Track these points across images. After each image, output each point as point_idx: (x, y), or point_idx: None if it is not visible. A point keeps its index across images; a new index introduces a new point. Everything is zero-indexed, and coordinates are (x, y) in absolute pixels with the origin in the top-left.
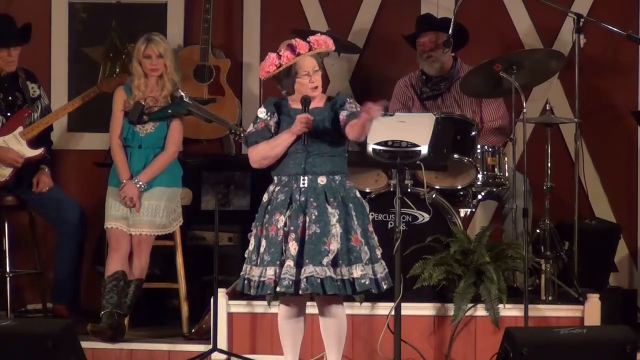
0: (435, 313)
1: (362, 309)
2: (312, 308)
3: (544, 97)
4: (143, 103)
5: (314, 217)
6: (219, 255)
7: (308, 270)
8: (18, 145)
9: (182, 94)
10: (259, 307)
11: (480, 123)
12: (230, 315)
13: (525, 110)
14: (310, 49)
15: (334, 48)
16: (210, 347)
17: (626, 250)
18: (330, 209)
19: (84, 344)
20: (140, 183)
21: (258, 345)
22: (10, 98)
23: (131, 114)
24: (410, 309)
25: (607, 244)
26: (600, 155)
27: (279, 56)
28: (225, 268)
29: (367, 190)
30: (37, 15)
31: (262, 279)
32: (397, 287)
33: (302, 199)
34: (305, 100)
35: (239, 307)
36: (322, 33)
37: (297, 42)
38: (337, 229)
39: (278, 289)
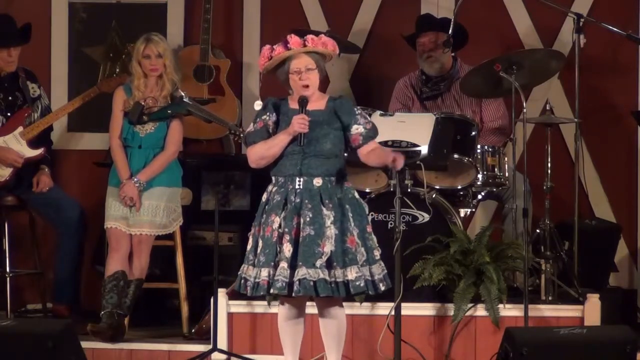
0: (435, 313)
1: (362, 309)
2: (312, 308)
3: (544, 97)
4: (143, 103)
5: (308, 219)
6: (219, 255)
7: (301, 272)
8: (18, 145)
9: (182, 94)
10: (259, 307)
11: (480, 123)
12: (230, 315)
13: (525, 110)
14: (303, 46)
15: (337, 51)
16: (210, 347)
17: (626, 250)
18: (325, 211)
19: (84, 344)
20: (140, 182)
21: (258, 345)
22: (10, 98)
23: (131, 114)
24: (410, 309)
25: (607, 244)
26: (600, 155)
27: (272, 49)
28: (225, 268)
29: (367, 190)
30: (37, 15)
31: (257, 280)
32: (397, 287)
33: (297, 200)
34: (303, 101)
35: (239, 307)
36: (322, 33)
37: (291, 38)
38: (331, 231)
39: (271, 290)
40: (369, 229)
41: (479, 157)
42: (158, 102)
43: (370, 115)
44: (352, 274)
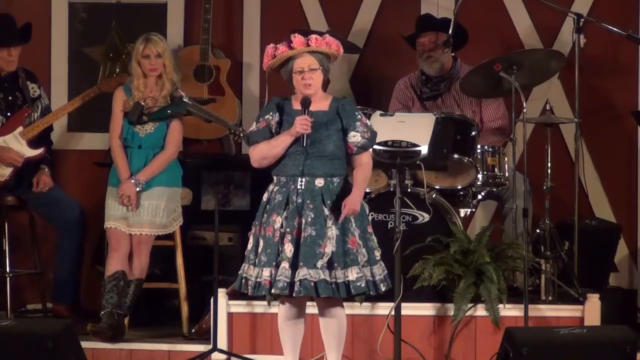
0: (435, 313)
1: (362, 309)
2: (312, 308)
3: (544, 97)
4: (142, 103)
5: (310, 219)
6: (219, 255)
7: (302, 273)
8: (18, 145)
9: (182, 93)
10: (259, 307)
11: (480, 123)
12: (230, 315)
13: (525, 110)
14: (307, 46)
15: (341, 51)
16: (210, 347)
17: (626, 250)
18: (326, 211)
19: (84, 344)
20: (139, 182)
21: (258, 345)
22: (10, 98)
23: (131, 115)
24: (410, 309)
25: (607, 244)
26: (600, 155)
27: (276, 48)
28: (225, 268)
29: (367, 190)
30: (37, 15)
31: (258, 279)
32: (397, 287)
33: (299, 200)
34: (305, 102)
35: (239, 307)
36: (323, 33)
37: (295, 37)
38: (333, 232)
39: (273, 290)
40: (370, 229)
41: (479, 157)
42: (158, 102)
43: (370, 115)
44: (353, 274)
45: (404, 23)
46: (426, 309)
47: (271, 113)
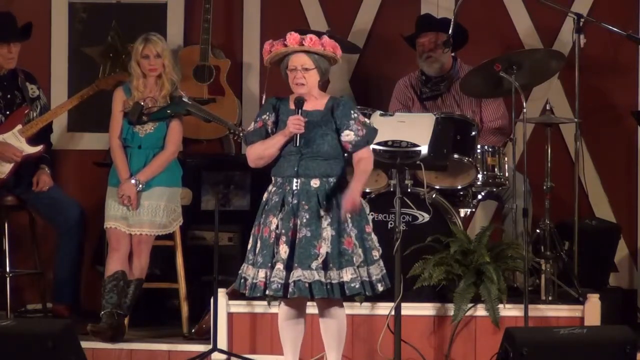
0: (435, 313)
1: (362, 309)
2: (312, 308)
3: (544, 97)
4: (142, 103)
5: (305, 220)
6: (219, 255)
7: (296, 274)
8: (17, 142)
9: (182, 93)
10: (259, 307)
11: (480, 123)
12: (230, 315)
13: (525, 110)
14: (300, 45)
15: (338, 54)
16: (210, 347)
17: (626, 250)
18: (322, 212)
19: (84, 344)
20: (139, 182)
21: (258, 345)
22: (9, 96)
23: (130, 115)
24: (410, 309)
25: (607, 244)
26: (600, 155)
27: (272, 44)
28: (225, 268)
29: (367, 190)
30: (37, 14)
31: (254, 280)
32: (397, 287)
33: (295, 201)
34: (299, 101)
35: (239, 307)
36: (322, 33)
37: (290, 35)
38: (328, 232)
39: (267, 291)
40: (368, 229)
41: (479, 157)
42: (157, 102)
43: (370, 115)
44: (347, 275)
45: (404, 23)
46: (426, 309)
47: (268, 113)
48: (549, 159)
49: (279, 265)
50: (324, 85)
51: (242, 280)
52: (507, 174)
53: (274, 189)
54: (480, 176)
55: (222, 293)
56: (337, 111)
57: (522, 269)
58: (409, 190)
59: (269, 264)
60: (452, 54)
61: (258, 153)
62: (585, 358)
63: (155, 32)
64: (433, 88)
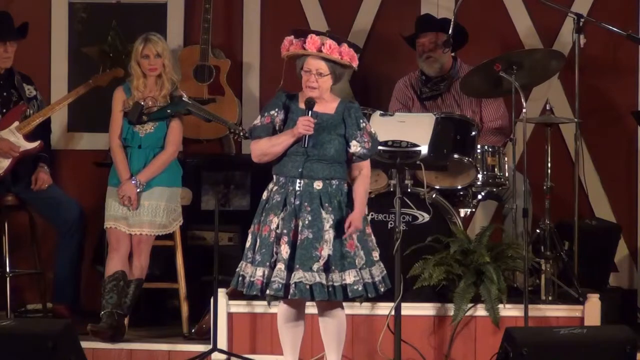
0: (435, 313)
1: (362, 309)
2: (312, 308)
3: (544, 97)
4: (142, 103)
5: (307, 222)
6: (219, 255)
7: (297, 275)
8: (14, 138)
9: (182, 93)
10: (259, 307)
11: (480, 123)
12: (230, 315)
13: (525, 110)
14: (318, 51)
15: (354, 63)
16: (210, 347)
17: (626, 250)
18: (324, 214)
19: (84, 344)
20: (139, 182)
21: (258, 345)
22: (5, 94)
23: (130, 115)
24: (410, 309)
25: (607, 244)
26: (600, 155)
27: (292, 42)
28: (225, 268)
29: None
30: (37, 14)
31: (252, 278)
32: (397, 287)
33: (297, 202)
34: (309, 103)
35: (239, 307)
36: (322, 33)
37: (311, 38)
38: (330, 235)
39: (268, 291)
40: (369, 230)
41: (479, 157)
42: (157, 101)
43: (370, 115)
44: (350, 277)
45: (404, 23)
46: (426, 309)
47: (277, 109)
48: (549, 159)
49: (280, 266)
50: None
51: (240, 278)
52: (507, 174)
53: (276, 187)
54: (480, 176)
55: (222, 293)
56: (347, 119)
57: (522, 269)
58: (409, 190)
59: (267, 263)
60: (452, 54)
61: (263, 149)
62: (585, 358)
63: (155, 32)
64: (433, 88)
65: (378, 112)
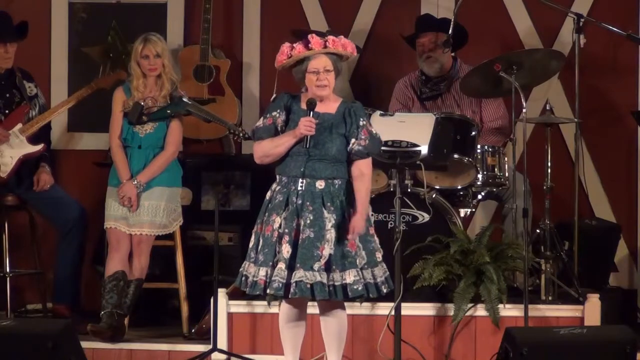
0: (435, 313)
1: (362, 309)
2: (312, 308)
3: (544, 97)
4: (142, 103)
5: (308, 221)
6: (219, 255)
7: (298, 274)
8: (17, 140)
9: (182, 93)
10: (259, 307)
11: (480, 123)
12: (230, 315)
13: (525, 110)
14: (324, 47)
15: (355, 53)
16: (210, 347)
17: (626, 250)
18: (326, 214)
19: (84, 344)
20: (139, 183)
21: (258, 345)
22: (7, 95)
23: (130, 115)
24: (410, 309)
25: (607, 244)
26: (600, 155)
27: (292, 47)
28: (225, 268)
29: None
30: (37, 14)
31: (255, 278)
32: (397, 287)
33: (299, 202)
34: (311, 104)
35: (239, 307)
36: (322, 33)
37: (312, 38)
38: (331, 234)
39: (268, 290)
40: (372, 230)
41: (479, 157)
42: (157, 102)
43: (370, 115)
44: (350, 277)
45: (404, 23)
46: (426, 309)
47: (278, 110)
48: (549, 159)
49: (281, 265)
50: None
51: (243, 278)
52: (507, 174)
53: (278, 187)
54: (480, 176)
55: (222, 293)
56: (348, 118)
57: (522, 269)
58: (409, 190)
59: (270, 263)
60: (452, 54)
61: (265, 150)
62: (585, 358)
63: (155, 32)
64: (433, 88)
65: (378, 112)
